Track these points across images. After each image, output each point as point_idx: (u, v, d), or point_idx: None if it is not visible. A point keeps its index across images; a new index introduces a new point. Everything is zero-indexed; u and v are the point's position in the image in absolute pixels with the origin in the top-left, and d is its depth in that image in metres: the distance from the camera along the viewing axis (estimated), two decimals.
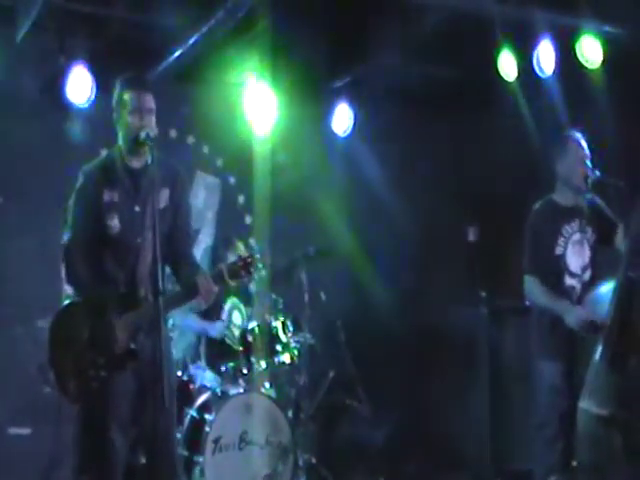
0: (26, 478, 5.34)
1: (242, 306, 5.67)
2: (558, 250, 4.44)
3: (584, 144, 4.50)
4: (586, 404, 4.11)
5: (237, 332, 5.53)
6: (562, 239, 4.45)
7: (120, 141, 3.84)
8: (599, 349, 4.15)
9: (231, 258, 5.53)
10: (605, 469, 4.05)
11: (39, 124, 5.75)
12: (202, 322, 5.48)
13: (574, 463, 4.14)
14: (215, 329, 5.47)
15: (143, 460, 3.71)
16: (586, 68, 5.72)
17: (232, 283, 3.79)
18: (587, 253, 4.48)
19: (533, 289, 4.44)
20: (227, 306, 5.56)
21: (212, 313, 5.52)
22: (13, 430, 5.56)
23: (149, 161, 3.69)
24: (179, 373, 5.21)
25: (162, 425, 3.57)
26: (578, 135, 4.54)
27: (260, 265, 3.79)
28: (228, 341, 5.52)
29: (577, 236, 4.47)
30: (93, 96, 5.76)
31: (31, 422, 5.54)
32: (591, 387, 4.13)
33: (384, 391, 6.19)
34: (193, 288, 3.72)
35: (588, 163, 4.46)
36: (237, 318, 5.63)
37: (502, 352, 6.03)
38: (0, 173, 5.66)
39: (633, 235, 4.24)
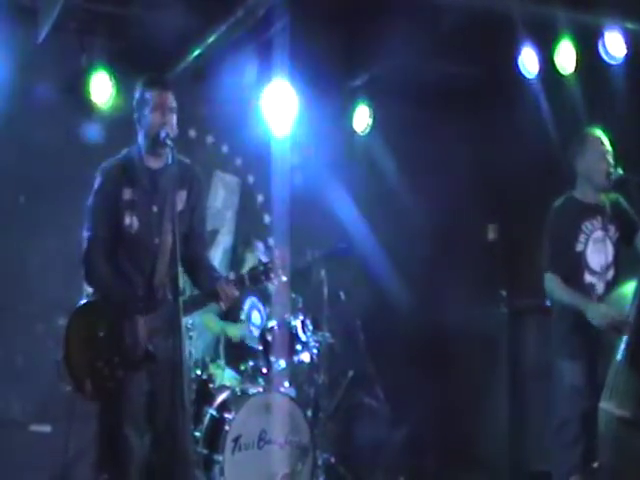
0: (47, 475, 5.38)
1: (261, 305, 5.68)
2: (578, 247, 4.38)
3: (605, 140, 4.45)
4: (607, 405, 4.08)
5: (256, 332, 5.54)
6: (583, 236, 4.39)
7: (140, 140, 3.85)
8: (621, 349, 4.11)
9: (250, 258, 5.57)
10: (627, 471, 4.01)
11: (60, 124, 5.79)
12: (221, 323, 5.48)
13: (595, 464, 4.10)
14: (234, 331, 5.49)
15: (159, 459, 3.70)
16: (608, 65, 5.66)
17: (253, 287, 3.82)
18: (610, 251, 4.41)
19: (554, 287, 4.38)
20: (246, 306, 5.57)
21: (232, 314, 5.54)
22: (34, 427, 5.60)
23: (169, 161, 3.69)
24: (198, 372, 5.23)
25: (179, 425, 3.58)
26: (599, 131, 4.49)
27: (280, 270, 3.80)
28: (247, 341, 5.52)
29: (599, 233, 4.41)
30: (113, 96, 5.81)
31: (51, 419, 5.58)
32: (612, 387, 4.09)
33: (403, 391, 6.17)
34: (214, 293, 3.74)
35: (610, 159, 4.41)
36: (256, 318, 5.66)
37: (522, 352, 5.98)
38: (21, 173, 5.71)
39: None
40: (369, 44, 6.01)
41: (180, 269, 3.60)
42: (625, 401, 4.06)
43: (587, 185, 4.45)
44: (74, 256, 3.95)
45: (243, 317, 5.61)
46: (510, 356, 6.03)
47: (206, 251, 4.17)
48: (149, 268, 3.75)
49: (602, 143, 4.44)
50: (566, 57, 5.79)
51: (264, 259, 3.88)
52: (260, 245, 5.78)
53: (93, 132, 5.89)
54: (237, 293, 3.76)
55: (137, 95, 3.86)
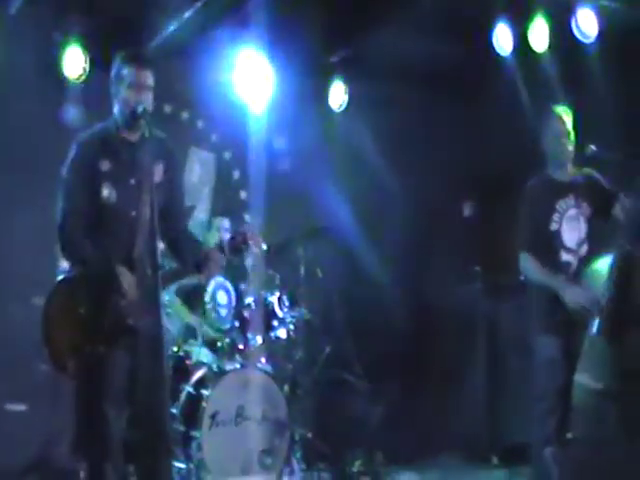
0: (23, 454, 5.35)
1: (229, 284, 5.62)
2: (553, 226, 4.41)
3: (566, 119, 4.45)
4: (581, 377, 4.13)
5: (224, 311, 5.51)
6: (557, 215, 4.42)
7: (116, 114, 3.80)
8: (595, 322, 4.17)
9: (209, 238, 5.52)
10: (600, 442, 4.08)
11: (33, 99, 5.71)
12: (188, 314, 5.47)
13: (569, 435, 4.17)
14: (197, 323, 5.47)
15: (138, 436, 3.68)
16: (581, 42, 5.69)
17: (233, 257, 3.82)
18: (583, 227, 4.44)
19: (528, 266, 4.41)
20: (210, 287, 5.50)
21: (195, 294, 5.50)
22: (9, 406, 5.55)
23: (146, 134, 3.67)
24: (175, 349, 5.22)
25: (159, 401, 3.58)
26: (561, 109, 4.49)
27: (260, 240, 3.81)
28: (216, 323, 5.48)
29: (572, 211, 4.44)
30: (87, 71, 5.75)
31: (27, 398, 5.54)
32: (587, 360, 4.14)
33: (381, 367, 6.19)
34: (199, 263, 3.73)
35: (567, 139, 4.41)
36: (222, 298, 5.60)
37: (498, 326, 6.03)
38: None
39: (631, 208, 4.25)
40: (347, 20, 5.98)
41: (159, 243, 3.60)
42: (599, 374, 4.11)
43: (554, 163, 4.49)
44: (48, 233, 3.89)
45: (207, 299, 5.53)
46: (487, 331, 6.09)
47: (187, 223, 4.14)
48: (127, 241, 3.69)
49: (562, 122, 4.45)
50: (539, 35, 5.82)
51: (242, 230, 3.86)
52: (225, 222, 5.75)
53: (66, 107, 5.83)
54: (224, 262, 3.75)
55: (114, 69, 3.81)
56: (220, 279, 5.57)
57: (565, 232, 4.43)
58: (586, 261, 4.41)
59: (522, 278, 4.64)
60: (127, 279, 3.62)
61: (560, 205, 4.43)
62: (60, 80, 5.80)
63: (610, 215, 4.43)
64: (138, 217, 3.68)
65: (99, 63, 5.58)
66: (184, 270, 3.85)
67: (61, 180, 3.75)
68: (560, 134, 4.43)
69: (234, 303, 5.54)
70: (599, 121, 4.71)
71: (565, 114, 4.47)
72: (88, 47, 5.77)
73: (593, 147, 4.39)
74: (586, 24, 5.62)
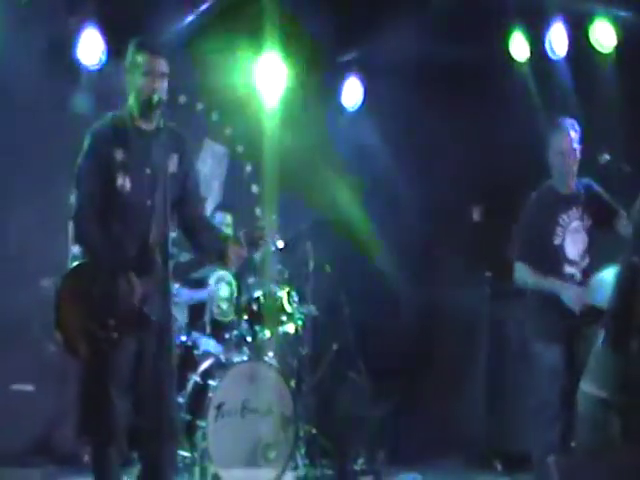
0: (29, 434, 5.37)
1: (231, 277, 5.63)
2: (556, 240, 4.45)
3: (573, 134, 4.47)
4: (587, 386, 4.15)
5: (225, 305, 5.52)
6: (560, 229, 4.45)
7: (131, 102, 3.78)
8: (602, 333, 4.19)
9: None
10: (603, 451, 4.10)
11: (48, 85, 5.70)
12: (190, 291, 5.46)
13: (573, 444, 4.19)
14: (203, 294, 5.47)
15: (145, 422, 3.68)
16: (598, 52, 5.72)
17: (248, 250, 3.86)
18: (585, 239, 4.49)
19: (526, 276, 4.44)
20: (212, 279, 5.49)
21: (198, 285, 5.52)
22: (16, 387, 5.57)
23: (161, 124, 3.67)
24: (183, 338, 5.23)
25: (165, 389, 3.61)
26: (569, 123, 4.50)
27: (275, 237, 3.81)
28: (217, 317, 5.50)
29: (575, 224, 4.47)
30: (103, 58, 5.75)
31: (34, 379, 5.55)
32: (592, 370, 4.16)
33: (385, 366, 6.22)
34: (223, 253, 3.75)
35: (573, 156, 4.43)
36: (224, 291, 5.60)
37: (503, 333, 6.05)
38: (6, 133, 5.62)
39: (637, 220, 4.28)
40: (361, 18, 5.99)
41: (171, 233, 3.62)
42: (604, 383, 4.13)
43: (557, 176, 4.51)
44: (57, 218, 3.90)
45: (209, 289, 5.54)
46: (492, 335, 6.11)
47: (205, 212, 4.16)
48: (142, 230, 3.68)
49: (568, 138, 4.44)
50: (557, 43, 5.84)
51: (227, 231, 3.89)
52: (228, 217, 5.75)
53: (81, 94, 5.82)
54: (246, 253, 3.78)
55: (129, 57, 3.79)
56: (222, 272, 5.58)
57: (568, 245, 4.47)
58: (588, 272, 4.45)
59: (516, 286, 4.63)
60: (134, 287, 3.62)
61: (563, 219, 4.47)
62: (75, 66, 5.79)
63: (611, 227, 4.46)
64: (153, 206, 3.68)
65: (115, 50, 5.57)
66: (199, 261, 3.84)
67: (76, 169, 3.75)
68: (565, 151, 4.44)
69: (235, 295, 5.55)
70: (611, 132, 4.72)
71: (572, 129, 4.48)
72: (104, 33, 5.75)
73: (607, 156, 4.41)
74: (603, 34, 5.64)
